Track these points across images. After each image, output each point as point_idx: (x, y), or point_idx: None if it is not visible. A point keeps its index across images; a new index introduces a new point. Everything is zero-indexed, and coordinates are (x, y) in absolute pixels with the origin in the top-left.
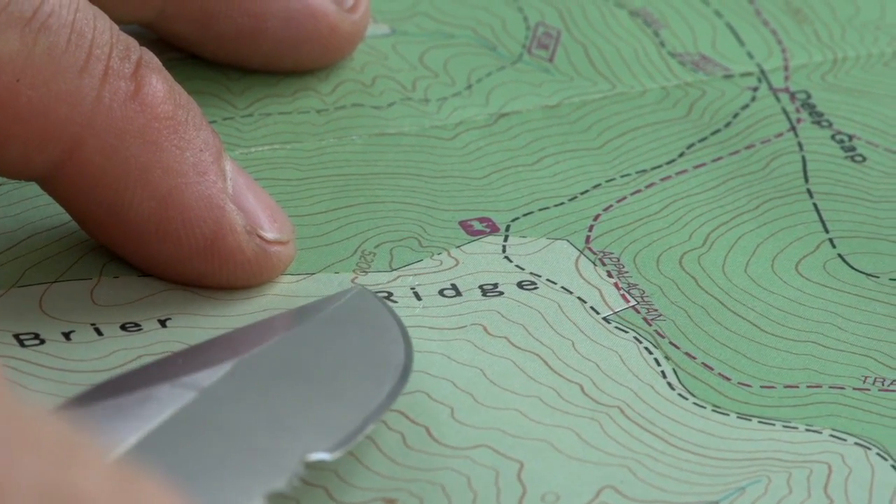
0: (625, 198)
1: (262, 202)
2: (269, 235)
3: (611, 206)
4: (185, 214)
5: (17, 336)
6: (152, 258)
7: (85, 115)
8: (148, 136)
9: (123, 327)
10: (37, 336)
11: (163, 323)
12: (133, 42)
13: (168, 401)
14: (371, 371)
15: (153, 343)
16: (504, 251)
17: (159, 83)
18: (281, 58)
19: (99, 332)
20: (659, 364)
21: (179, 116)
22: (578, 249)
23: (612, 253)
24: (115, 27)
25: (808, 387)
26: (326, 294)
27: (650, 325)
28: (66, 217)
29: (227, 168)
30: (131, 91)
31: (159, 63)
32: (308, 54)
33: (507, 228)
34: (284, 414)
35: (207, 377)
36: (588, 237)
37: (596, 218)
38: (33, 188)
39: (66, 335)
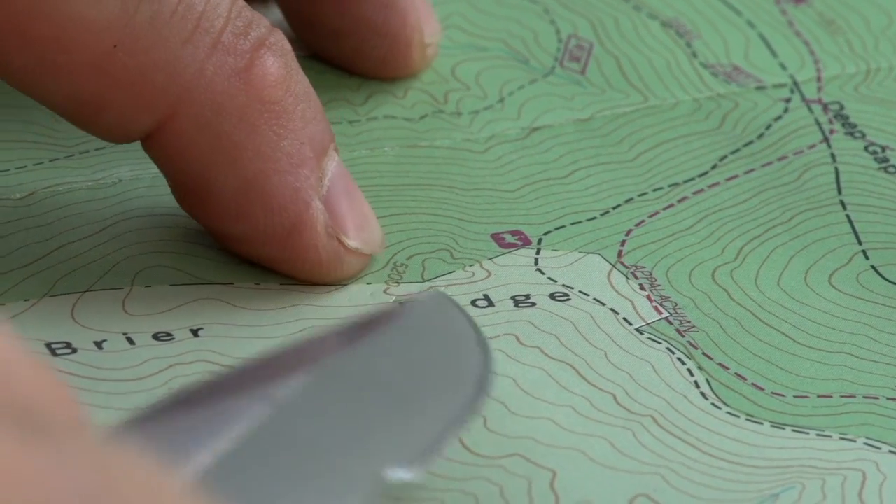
0: (657, 212)
1: (356, 210)
2: (351, 244)
3: (643, 221)
4: (266, 200)
5: (48, 345)
6: (230, 235)
7: (183, 86)
8: (246, 117)
9: (155, 336)
10: (69, 345)
11: (195, 332)
12: (258, 20)
13: (242, 415)
14: (449, 383)
15: (185, 352)
16: (536, 264)
17: (275, 66)
18: (354, 61)
19: (131, 342)
20: (692, 374)
21: (287, 104)
22: (610, 263)
23: (644, 267)
24: (240, 2)
25: (842, 396)
26: (357, 304)
27: (683, 336)
28: (98, 227)
29: (329, 168)
30: (240, 68)
31: (288, 49)
32: (377, 62)
33: (539, 242)
34: (362, 431)
35: (282, 390)
36: (620, 252)
37: (628, 233)
38: (64, 198)
39: (98, 344)
